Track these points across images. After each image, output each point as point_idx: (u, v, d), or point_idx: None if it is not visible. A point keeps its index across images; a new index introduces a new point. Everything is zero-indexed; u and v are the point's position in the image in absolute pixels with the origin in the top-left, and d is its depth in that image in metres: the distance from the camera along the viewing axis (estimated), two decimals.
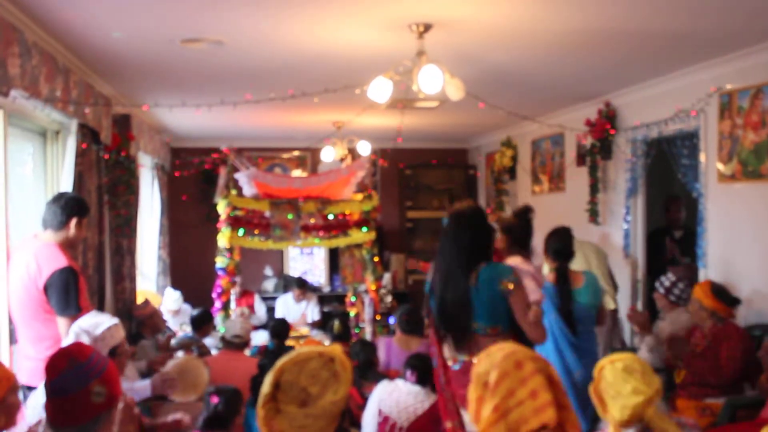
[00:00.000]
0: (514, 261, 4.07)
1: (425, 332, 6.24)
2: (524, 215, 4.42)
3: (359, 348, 4.81)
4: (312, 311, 8.30)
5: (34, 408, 3.01)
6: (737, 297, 4.53)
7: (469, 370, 3.45)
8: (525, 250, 4.33)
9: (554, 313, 4.38)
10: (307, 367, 1.96)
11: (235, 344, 5.03)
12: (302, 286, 8.42)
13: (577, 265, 5.23)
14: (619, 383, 2.37)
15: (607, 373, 2.41)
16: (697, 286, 4.60)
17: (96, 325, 3.30)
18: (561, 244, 4.55)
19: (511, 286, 3.47)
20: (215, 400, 3.40)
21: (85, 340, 3.22)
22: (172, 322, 7.11)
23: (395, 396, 4.22)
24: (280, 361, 2.00)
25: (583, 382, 4.22)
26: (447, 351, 3.63)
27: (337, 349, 2.04)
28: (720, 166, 5.22)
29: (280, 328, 6.03)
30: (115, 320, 3.41)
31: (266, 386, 1.95)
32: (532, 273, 4.46)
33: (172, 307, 7.39)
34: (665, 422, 2.40)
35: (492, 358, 2.07)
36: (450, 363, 3.61)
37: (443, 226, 3.69)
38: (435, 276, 3.63)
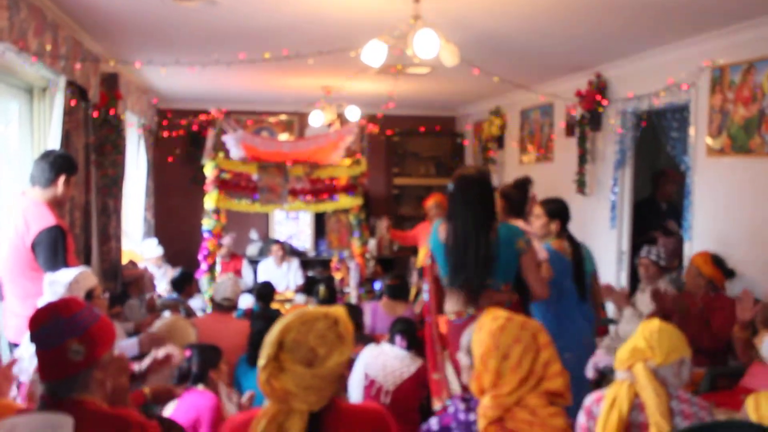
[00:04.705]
0: (517, 223, 4.11)
1: (412, 297, 6.33)
2: (523, 186, 4.52)
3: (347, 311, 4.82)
4: (295, 275, 8.30)
5: (22, 361, 3.02)
6: (733, 269, 4.65)
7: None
8: (520, 217, 4.40)
9: (570, 280, 4.39)
10: (315, 327, 1.96)
11: (225, 306, 5.04)
12: (279, 243, 8.56)
13: None
14: (637, 331, 2.72)
15: (641, 325, 2.75)
16: (697, 255, 4.76)
17: (66, 274, 3.36)
18: (555, 205, 4.54)
19: (525, 246, 3.71)
20: (188, 353, 3.46)
21: (59, 289, 3.26)
22: (157, 273, 7.13)
23: (381, 360, 4.26)
24: (284, 321, 1.99)
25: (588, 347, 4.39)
26: (452, 306, 3.77)
27: (341, 310, 2.05)
28: (709, 140, 5.25)
29: (265, 291, 6.06)
30: (83, 267, 3.46)
31: (269, 346, 1.94)
32: (535, 234, 4.52)
33: (154, 254, 7.41)
34: (648, 383, 2.59)
35: (510, 331, 2.40)
36: (453, 317, 3.76)
37: (449, 190, 3.80)
38: (450, 238, 3.72)
